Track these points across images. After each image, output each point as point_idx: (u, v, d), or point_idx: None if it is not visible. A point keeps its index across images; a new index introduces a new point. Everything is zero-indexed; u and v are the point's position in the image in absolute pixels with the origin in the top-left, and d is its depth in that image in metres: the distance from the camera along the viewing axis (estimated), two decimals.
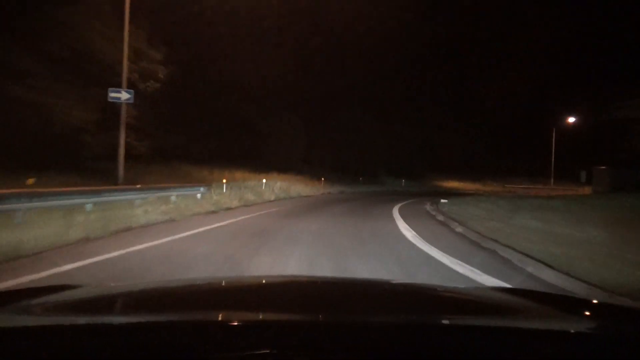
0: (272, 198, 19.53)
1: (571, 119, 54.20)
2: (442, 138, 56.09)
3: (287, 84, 33.95)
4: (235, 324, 1.20)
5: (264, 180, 21.76)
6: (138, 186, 12.57)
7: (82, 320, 1.30)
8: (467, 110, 63.62)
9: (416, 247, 7.69)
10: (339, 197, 24.96)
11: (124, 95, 13.52)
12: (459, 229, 10.20)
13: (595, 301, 2.75)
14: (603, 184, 45.99)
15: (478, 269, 5.87)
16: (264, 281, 2.44)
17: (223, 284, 2.23)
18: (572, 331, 1.31)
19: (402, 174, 44.12)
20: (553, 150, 56.58)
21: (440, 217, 13.22)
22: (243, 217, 11.80)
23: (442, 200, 19.80)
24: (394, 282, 3.35)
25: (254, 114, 32.12)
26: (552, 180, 56.88)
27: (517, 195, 31.31)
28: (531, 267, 5.93)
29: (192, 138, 26.84)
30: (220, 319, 1.29)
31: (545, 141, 60.43)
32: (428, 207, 17.61)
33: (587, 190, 57.80)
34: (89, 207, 9.71)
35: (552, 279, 5.34)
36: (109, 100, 13.49)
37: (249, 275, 5.27)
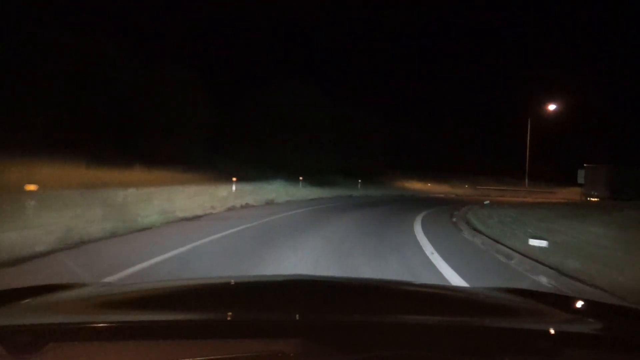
0: (45, 247, 5.93)
1: (551, 107, 44.73)
2: (402, 131, 45.03)
3: (181, 21, 20.36)
4: (238, 323, 1.18)
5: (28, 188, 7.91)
6: None
7: (82, 319, 1.27)
8: (431, 101, 54.66)
9: None
10: (264, 220, 11.75)
11: None
12: None
13: (598, 302, 2.54)
14: (598, 187, 36.27)
15: None
16: (270, 280, 2.45)
17: (227, 283, 2.16)
18: (574, 331, 1.30)
19: (355, 173, 31.73)
20: (528, 146, 47.04)
21: None
22: None
23: (535, 243, 7.36)
24: (400, 282, 3.30)
25: (117, 64, 18.07)
26: (526, 180, 47.53)
27: (545, 205, 19.69)
28: None
29: None
30: (223, 318, 1.24)
31: (519, 136, 51.82)
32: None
33: (568, 193, 49.29)
34: None
35: None
36: None
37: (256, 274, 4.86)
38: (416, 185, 39.76)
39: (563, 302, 2.00)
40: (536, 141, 48.78)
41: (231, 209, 13.92)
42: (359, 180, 29.52)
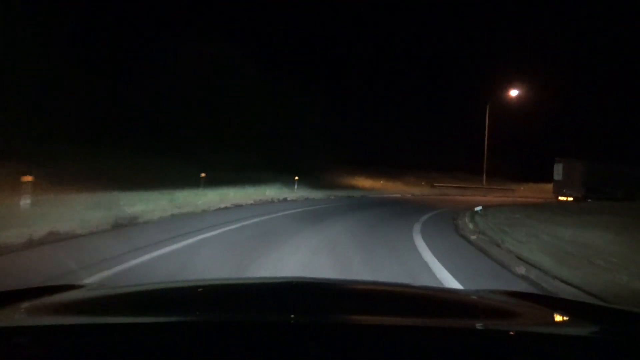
0: None
1: (513, 92, 39.57)
2: (349, 121, 38.53)
3: None
4: (233, 324, 1.15)
5: None
6: None
7: (82, 320, 1.25)
8: (382, 91, 49.10)
9: None
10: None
11: None
12: None
13: (594, 304, 2.40)
14: (571, 185, 31.16)
15: None
16: (264, 282, 2.42)
17: (223, 284, 2.14)
18: (570, 334, 1.26)
19: (291, 168, 24.26)
20: (486, 137, 41.90)
21: None
22: None
23: None
24: (397, 284, 3.20)
25: None
26: (484, 177, 42.39)
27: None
28: None
29: None
30: (217, 319, 1.23)
31: (475, 129, 47.11)
32: None
33: (527, 190, 44.78)
34: None
35: None
36: None
37: (255, 276, 4.72)
38: (366, 183, 33.04)
39: (559, 304, 1.95)
40: (494, 135, 43.88)
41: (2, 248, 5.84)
42: (296, 178, 21.99)
